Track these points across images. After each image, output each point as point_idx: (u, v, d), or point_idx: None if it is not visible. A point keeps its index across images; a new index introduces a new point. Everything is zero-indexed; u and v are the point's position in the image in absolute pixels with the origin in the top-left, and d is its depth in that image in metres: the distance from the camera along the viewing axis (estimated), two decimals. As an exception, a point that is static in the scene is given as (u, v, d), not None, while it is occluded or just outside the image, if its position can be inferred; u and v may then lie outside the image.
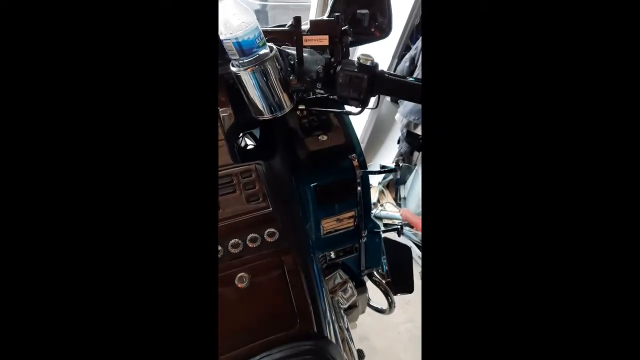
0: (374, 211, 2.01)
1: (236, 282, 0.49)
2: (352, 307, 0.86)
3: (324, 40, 0.59)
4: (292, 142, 0.72)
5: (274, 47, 0.59)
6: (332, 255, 0.79)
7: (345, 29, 0.60)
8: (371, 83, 0.55)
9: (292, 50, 0.60)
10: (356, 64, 0.56)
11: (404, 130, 1.95)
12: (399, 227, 0.89)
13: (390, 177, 2.22)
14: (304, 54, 0.58)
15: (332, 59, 0.59)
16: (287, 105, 0.62)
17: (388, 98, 2.15)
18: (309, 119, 0.74)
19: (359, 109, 0.60)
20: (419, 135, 1.89)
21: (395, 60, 1.87)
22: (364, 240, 0.78)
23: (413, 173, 2.04)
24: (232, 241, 0.53)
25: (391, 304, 0.95)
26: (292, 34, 0.59)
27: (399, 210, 2.03)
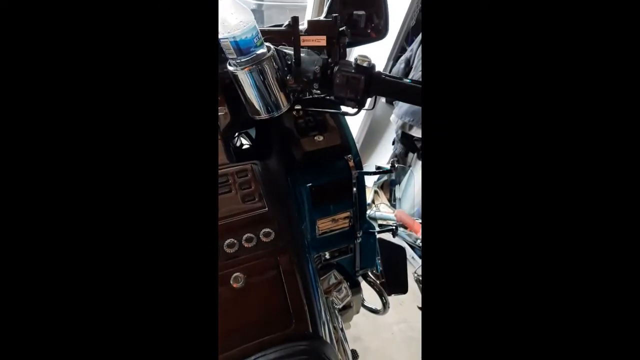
0: (368, 212, 2.02)
1: (231, 282, 0.49)
2: (347, 307, 0.86)
3: (321, 40, 0.59)
4: (288, 142, 0.72)
5: (272, 46, 0.59)
6: (327, 255, 0.79)
7: (343, 29, 0.60)
8: (368, 84, 0.55)
9: (290, 50, 0.60)
10: (353, 65, 0.55)
11: (399, 132, 1.95)
12: (394, 227, 0.90)
13: (385, 178, 2.23)
14: (301, 54, 0.58)
15: (329, 60, 0.58)
16: (284, 105, 0.62)
17: (383, 99, 2.16)
18: (305, 119, 0.74)
19: (355, 110, 0.60)
20: (413, 136, 1.90)
21: (391, 62, 1.88)
22: (358, 240, 0.78)
23: (408, 174, 2.05)
24: (228, 241, 0.52)
25: (385, 305, 0.95)
26: (289, 34, 0.59)
27: (394, 211, 2.04)
